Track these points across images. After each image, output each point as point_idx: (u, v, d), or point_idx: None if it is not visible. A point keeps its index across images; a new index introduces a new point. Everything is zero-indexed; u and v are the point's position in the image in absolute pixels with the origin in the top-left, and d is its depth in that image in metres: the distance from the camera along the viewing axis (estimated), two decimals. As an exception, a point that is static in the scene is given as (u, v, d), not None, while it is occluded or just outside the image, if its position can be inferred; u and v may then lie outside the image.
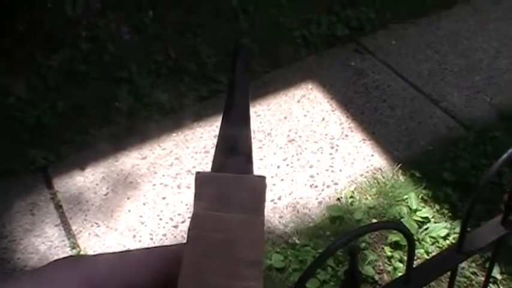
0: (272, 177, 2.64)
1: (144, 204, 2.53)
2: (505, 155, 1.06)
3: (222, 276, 0.33)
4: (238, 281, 0.33)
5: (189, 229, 0.34)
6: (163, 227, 2.43)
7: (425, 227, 2.43)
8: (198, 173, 0.35)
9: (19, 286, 0.33)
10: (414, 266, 1.03)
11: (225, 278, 0.33)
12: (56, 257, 2.39)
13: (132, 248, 2.38)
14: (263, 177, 0.36)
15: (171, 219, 2.46)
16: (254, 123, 2.89)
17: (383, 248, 2.36)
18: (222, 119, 0.36)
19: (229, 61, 0.38)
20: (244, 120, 0.36)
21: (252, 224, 0.34)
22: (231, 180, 0.35)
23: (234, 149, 0.36)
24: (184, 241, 0.34)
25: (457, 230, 2.33)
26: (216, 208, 0.34)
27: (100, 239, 2.40)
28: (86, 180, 2.65)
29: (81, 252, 2.34)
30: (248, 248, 0.33)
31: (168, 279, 0.36)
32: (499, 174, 2.39)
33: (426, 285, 1.09)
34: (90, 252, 2.34)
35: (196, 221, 0.34)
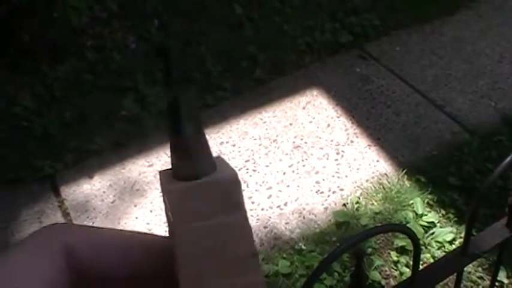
0: (278, 183, 2.65)
1: (150, 211, 2.55)
2: (509, 158, 1.07)
3: (221, 277, 0.33)
4: (238, 277, 0.34)
5: (174, 247, 0.33)
6: (170, 234, 2.43)
7: (431, 231, 2.44)
8: (161, 173, 0.35)
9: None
10: (420, 269, 1.03)
11: (225, 278, 0.33)
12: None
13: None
14: (233, 173, 0.35)
15: (178, 226, 2.47)
16: (260, 130, 2.91)
17: (389, 253, 2.37)
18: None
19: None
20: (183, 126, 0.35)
21: (236, 222, 0.34)
22: (201, 186, 0.34)
23: (185, 154, 0.35)
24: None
25: (463, 234, 2.34)
26: (196, 218, 0.33)
27: (107, 246, 2.41)
28: (93, 188, 2.67)
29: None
30: (239, 246, 0.34)
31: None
32: (505, 179, 2.39)
33: (432, 288, 1.10)
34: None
35: (182, 239, 0.33)
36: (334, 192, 2.61)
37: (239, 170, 2.68)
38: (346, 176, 2.68)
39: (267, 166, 2.73)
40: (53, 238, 0.33)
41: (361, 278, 0.91)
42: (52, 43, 3.30)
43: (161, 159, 2.77)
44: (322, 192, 2.61)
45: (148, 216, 2.52)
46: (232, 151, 2.78)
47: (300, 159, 2.77)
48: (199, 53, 3.37)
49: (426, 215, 2.49)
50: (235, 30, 3.57)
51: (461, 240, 2.33)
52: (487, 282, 2.22)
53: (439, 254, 2.35)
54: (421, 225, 2.44)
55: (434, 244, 2.38)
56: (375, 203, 2.56)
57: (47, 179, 2.72)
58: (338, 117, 2.99)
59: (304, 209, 2.55)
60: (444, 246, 2.38)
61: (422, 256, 2.32)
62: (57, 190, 2.67)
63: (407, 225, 2.43)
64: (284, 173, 2.70)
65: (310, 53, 3.43)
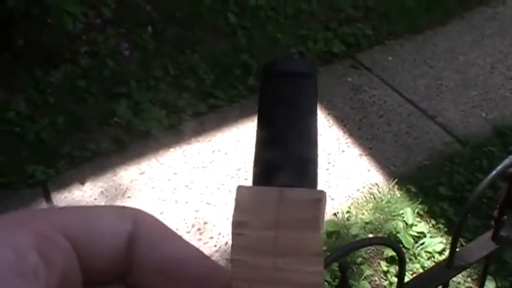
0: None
1: (142, 218, 2.54)
2: (495, 171, 1.09)
3: None
4: None
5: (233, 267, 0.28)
6: (161, 242, 2.43)
7: (421, 241, 2.45)
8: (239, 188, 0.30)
9: None
10: (405, 281, 1.05)
11: None
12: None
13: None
14: (321, 192, 0.29)
15: (169, 233, 2.47)
16: (252, 138, 2.91)
17: (379, 263, 2.37)
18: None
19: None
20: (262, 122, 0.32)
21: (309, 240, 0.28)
22: (277, 196, 0.29)
23: (256, 157, 0.31)
24: None
25: (453, 244, 2.35)
26: (266, 233, 0.28)
27: (98, 253, 2.41)
28: (85, 195, 2.67)
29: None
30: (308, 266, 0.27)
31: None
32: (495, 189, 2.41)
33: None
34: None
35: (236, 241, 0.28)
36: (325, 201, 2.62)
37: (231, 178, 2.69)
38: (337, 186, 2.69)
39: (259, 174, 2.73)
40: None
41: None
42: (46, 49, 3.30)
43: (153, 166, 2.77)
44: (313, 201, 2.61)
45: (139, 224, 2.52)
46: (224, 159, 2.79)
47: (292, 167, 2.77)
48: (193, 61, 3.39)
49: (416, 225, 2.50)
50: (229, 39, 3.58)
51: (451, 250, 2.34)
52: (476, 293, 2.24)
53: (428, 264, 2.36)
54: (411, 235, 2.45)
55: (424, 254, 2.39)
56: (366, 213, 2.57)
57: (39, 185, 2.72)
58: (330, 126, 3.01)
59: (295, 217, 2.55)
60: (434, 257, 2.39)
61: (411, 266, 2.33)
62: (49, 196, 2.66)
63: (398, 235, 2.45)
64: (275, 182, 2.70)
65: (303, 62, 3.43)
